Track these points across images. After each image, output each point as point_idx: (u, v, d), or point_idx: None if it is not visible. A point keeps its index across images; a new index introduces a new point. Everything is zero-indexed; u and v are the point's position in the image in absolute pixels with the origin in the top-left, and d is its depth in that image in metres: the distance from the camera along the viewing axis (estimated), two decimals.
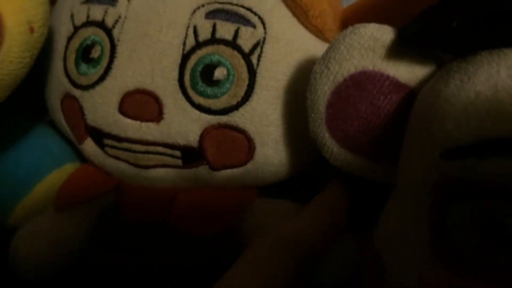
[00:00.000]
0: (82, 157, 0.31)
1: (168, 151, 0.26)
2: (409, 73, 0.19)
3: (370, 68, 0.19)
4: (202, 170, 0.26)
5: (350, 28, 0.20)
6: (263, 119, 0.25)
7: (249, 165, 0.26)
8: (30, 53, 0.23)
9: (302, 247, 0.22)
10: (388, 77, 0.19)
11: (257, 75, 0.24)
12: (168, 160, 0.26)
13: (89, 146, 0.28)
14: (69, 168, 0.31)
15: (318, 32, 0.25)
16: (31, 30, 0.22)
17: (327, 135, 0.21)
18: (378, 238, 0.19)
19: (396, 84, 0.19)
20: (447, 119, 0.15)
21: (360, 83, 0.19)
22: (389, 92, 0.19)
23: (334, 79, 0.20)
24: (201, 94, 0.24)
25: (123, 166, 0.27)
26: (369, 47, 0.19)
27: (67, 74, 0.27)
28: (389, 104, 0.19)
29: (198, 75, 0.24)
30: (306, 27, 0.25)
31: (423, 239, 0.16)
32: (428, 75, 0.18)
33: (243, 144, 0.25)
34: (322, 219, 0.23)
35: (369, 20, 0.25)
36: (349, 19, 0.26)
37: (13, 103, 0.27)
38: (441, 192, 0.15)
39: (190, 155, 0.26)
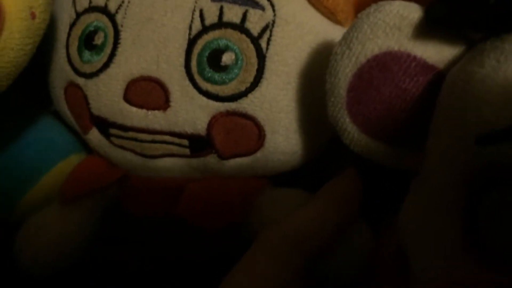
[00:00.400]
0: (87, 148, 0.30)
1: (176, 140, 0.25)
2: (437, 53, 0.18)
3: (396, 48, 0.18)
4: (211, 159, 0.25)
5: (373, 6, 0.19)
6: (273, 105, 0.24)
7: (259, 154, 0.25)
8: (31, 40, 0.22)
9: (311, 240, 0.22)
10: (415, 57, 0.18)
11: (267, 59, 0.23)
12: (176, 149, 0.25)
13: (94, 136, 0.27)
14: (74, 159, 0.30)
15: (330, 14, 0.24)
16: (33, 16, 0.21)
17: (347, 120, 0.20)
18: (401, 229, 0.18)
19: (424, 66, 0.18)
20: (483, 102, 0.14)
21: (385, 65, 0.18)
22: (415, 74, 0.18)
23: (356, 60, 0.19)
24: (209, 80, 0.24)
25: (129, 156, 0.26)
26: (395, 25, 0.18)
27: (70, 62, 0.26)
28: (416, 87, 0.18)
29: (205, 61, 0.23)
30: (317, 9, 0.24)
31: (453, 230, 0.15)
32: (457, 55, 0.17)
33: (252, 132, 0.24)
34: (331, 210, 0.23)
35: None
36: (362, 2, 0.25)
37: (16, 94, 0.26)
38: (473, 180, 0.14)
39: (198, 144, 0.25)
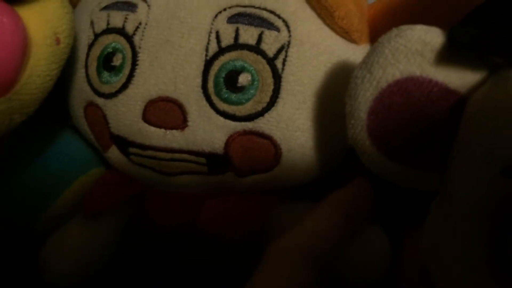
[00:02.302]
0: (107, 162, 0.31)
1: (194, 158, 0.26)
2: (459, 78, 0.18)
3: (418, 73, 0.18)
4: (228, 177, 0.26)
5: (395, 31, 0.19)
6: (289, 124, 0.24)
7: (275, 170, 0.25)
8: (57, 65, 0.23)
9: (321, 246, 0.22)
10: (436, 83, 0.18)
11: (282, 80, 0.24)
12: (194, 167, 0.26)
13: (114, 154, 0.28)
14: (95, 173, 0.31)
15: (345, 33, 0.24)
16: (57, 41, 0.22)
17: (368, 142, 0.20)
18: (425, 250, 0.18)
19: (445, 91, 0.18)
20: (508, 133, 0.14)
21: (406, 90, 0.18)
22: (437, 99, 0.18)
23: (377, 84, 0.19)
24: (226, 100, 0.24)
25: (148, 173, 0.27)
26: (417, 51, 0.18)
27: (90, 83, 0.27)
28: (437, 112, 0.18)
29: (222, 82, 0.24)
30: (332, 29, 0.24)
31: (480, 257, 0.15)
32: (480, 80, 0.17)
33: (269, 150, 0.25)
34: (339, 215, 0.23)
35: (398, 18, 0.25)
36: (377, 18, 0.26)
37: (36, 110, 0.27)
38: (499, 210, 0.14)
39: (216, 162, 0.25)
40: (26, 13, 0.20)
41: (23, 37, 0.20)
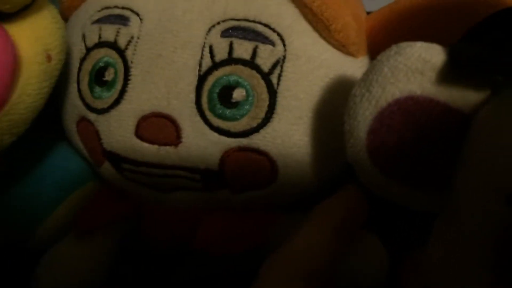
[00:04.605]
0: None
1: (188, 174, 0.25)
2: (461, 98, 0.17)
3: (418, 92, 0.17)
4: (224, 193, 0.25)
5: (394, 48, 0.18)
6: (286, 140, 0.23)
7: (271, 187, 0.25)
8: (48, 83, 0.22)
9: (314, 258, 0.21)
10: (438, 102, 0.17)
11: (278, 95, 0.23)
12: (188, 183, 0.25)
13: (107, 170, 0.27)
14: (90, 187, 0.30)
15: (341, 47, 0.23)
16: (49, 58, 0.21)
17: (368, 162, 0.19)
18: (427, 272, 0.17)
19: (447, 110, 0.17)
20: None
21: (407, 109, 0.18)
22: (438, 119, 0.17)
23: (376, 103, 0.18)
24: (220, 116, 0.23)
25: (142, 189, 0.27)
26: (417, 69, 0.17)
27: (82, 97, 0.26)
28: (439, 131, 0.17)
29: (216, 97, 0.23)
30: (328, 42, 0.23)
31: (484, 279, 0.15)
32: (483, 99, 0.17)
33: (265, 167, 0.24)
34: (328, 225, 0.22)
35: (396, 31, 0.24)
36: (376, 30, 0.25)
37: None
38: (504, 235, 0.14)
39: (211, 179, 0.25)
40: (15, 30, 0.20)
41: (12, 55, 0.19)
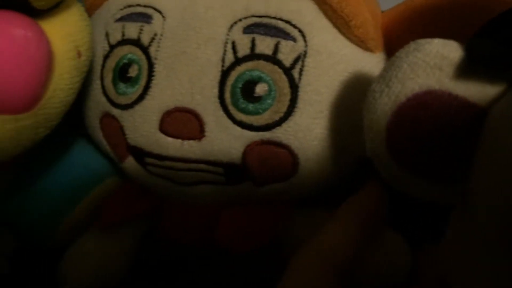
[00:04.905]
0: (121, 171, 0.31)
1: (211, 168, 0.26)
2: (478, 92, 0.18)
3: (437, 87, 0.18)
4: (246, 186, 0.26)
5: (412, 45, 0.19)
6: (307, 134, 0.24)
7: (293, 180, 0.25)
8: (79, 78, 0.23)
9: (341, 253, 0.22)
10: (456, 96, 0.18)
11: (299, 89, 0.24)
12: (211, 177, 0.26)
13: (130, 165, 0.28)
14: (110, 182, 0.30)
15: (360, 42, 0.24)
16: (79, 54, 0.22)
17: (387, 156, 0.20)
18: (445, 264, 0.18)
19: (465, 104, 0.18)
20: None
21: (425, 103, 0.18)
22: (456, 112, 0.18)
23: (396, 99, 0.19)
24: (243, 110, 0.24)
25: (165, 183, 0.27)
26: (436, 65, 0.18)
27: (105, 94, 0.27)
28: (457, 125, 0.18)
29: (239, 92, 0.24)
30: (348, 38, 0.24)
31: (505, 272, 0.15)
32: (500, 93, 0.17)
33: (287, 160, 0.25)
34: (355, 221, 0.23)
35: (412, 27, 0.25)
36: (391, 26, 0.26)
37: None
38: None
39: (233, 172, 0.25)
40: (48, 27, 0.20)
41: (47, 51, 0.20)
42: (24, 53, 0.19)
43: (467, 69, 0.18)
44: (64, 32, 0.21)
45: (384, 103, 0.19)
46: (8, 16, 0.19)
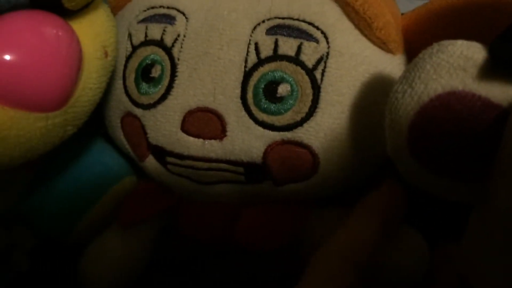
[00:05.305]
0: (138, 170, 0.31)
1: (231, 167, 0.26)
2: (502, 92, 0.18)
3: (460, 88, 0.18)
4: (266, 185, 0.26)
5: (436, 46, 0.19)
6: (328, 134, 0.24)
7: (313, 179, 0.26)
8: (106, 77, 0.23)
9: (361, 251, 0.22)
10: (479, 97, 0.18)
11: (321, 90, 0.24)
12: (231, 176, 0.26)
13: (150, 164, 0.28)
14: (127, 182, 0.31)
15: (382, 44, 0.24)
16: (106, 54, 0.22)
17: (409, 156, 0.20)
18: (465, 263, 0.18)
19: (488, 105, 0.18)
20: None
21: (448, 104, 0.18)
22: (479, 113, 0.18)
23: (419, 99, 0.19)
24: (265, 111, 0.24)
25: (185, 182, 0.27)
26: (459, 66, 0.18)
27: (127, 94, 0.27)
28: (480, 125, 0.18)
29: (261, 92, 0.24)
30: (370, 40, 0.24)
31: None
32: None
33: (307, 160, 0.25)
34: (374, 219, 0.23)
35: (432, 29, 0.25)
36: (410, 29, 0.26)
37: None
38: None
39: (254, 171, 0.26)
40: (77, 27, 0.21)
41: (78, 50, 0.20)
42: (56, 52, 0.19)
43: (490, 70, 0.18)
44: (93, 32, 0.22)
45: (407, 103, 0.19)
46: (40, 16, 0.19)
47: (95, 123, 0.31)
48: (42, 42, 0.19)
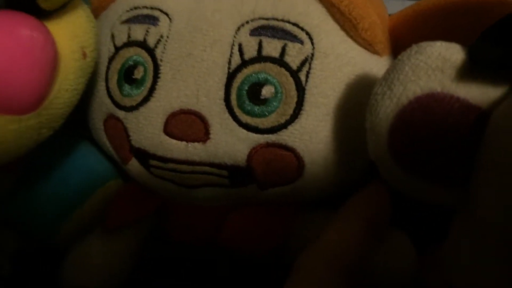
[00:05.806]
0: (123, 173, 0.31)
1: (215, 170, 0.25)
2: (481, 94, 0.18)
3: (439, 90, 0.18)
4: (250, 189, 0.26)
5: (414, 47, 0.19)
6: (313, 136, 0.24)
7: (298, 183, 0.25)
8: (83, 79, 0.23)
9: (345, 254, 0.22)
10: (458, 99, 0.18)
11: (306, 92, 0.24)
12: (215, 179, 0.26)
13: (134, 167, 0.27)
14: (112, 185, 0.31)
15: (368, 45, 0.24)
16: (84, 55, 0.22)
17: (389, 158, 0.20)
18: (449, 269, 0.18)
19: (467, 106, 0.18)
20: None
21: (427, 106, 0.18)
22: (458, 115, 0.18)
23: (398, 101, 0.19)
24: (248, 113, 0.24)
25: (169, 186, 0.27)
26: (438, 67, 0.18)
27: (110, 95, 0.27)
28: (459, 127, 0.18)
29: (245, 94, 0.24)
30: (355, 41, 0.24)
31: (503, 277, 0.15)
32: (501, 95, 0.17)
33: (292, 163, 0.24)
34: (358, 221, 0.23)
35: (419, 31, 0.25)
36: (397, 30, 0.26)
37: None
38: None
39: (238, 175, 0.25)
40: (54, 28, 0.20)
41: (53, 51, 0.20)
42: (29, 54, 0.18)
43: (469, 71, 0.18)
44: (70, 33, 0.21)
45: (386, 105, 0.19)
46: (14, 17, 0.19)
47: (81, 126, 0.31)
48: (16, 44, 0.18)
